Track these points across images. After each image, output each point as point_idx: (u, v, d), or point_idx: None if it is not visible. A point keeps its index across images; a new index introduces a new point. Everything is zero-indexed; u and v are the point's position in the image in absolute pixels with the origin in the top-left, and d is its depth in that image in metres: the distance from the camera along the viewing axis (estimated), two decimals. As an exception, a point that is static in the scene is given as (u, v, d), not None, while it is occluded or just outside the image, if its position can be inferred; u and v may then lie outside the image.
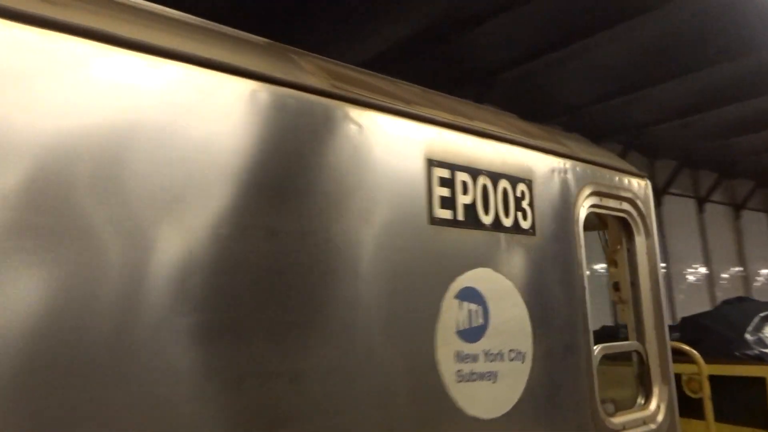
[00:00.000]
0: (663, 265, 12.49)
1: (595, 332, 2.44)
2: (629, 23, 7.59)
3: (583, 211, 2.52)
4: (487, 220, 2.09)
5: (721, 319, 5.14)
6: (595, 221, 2.88)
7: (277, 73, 1.67)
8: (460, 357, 1.95)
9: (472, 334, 2.00)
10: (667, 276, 12.63)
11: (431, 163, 1.95)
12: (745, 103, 10.30)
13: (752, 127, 11.40)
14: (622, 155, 11.56)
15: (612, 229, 2.92)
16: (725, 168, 14.17)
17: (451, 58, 8.34)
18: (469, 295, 2.02)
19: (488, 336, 2.04)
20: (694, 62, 8.71)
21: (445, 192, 1.97)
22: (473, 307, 2.02)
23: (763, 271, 15.70)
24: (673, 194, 13.29)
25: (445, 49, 7.96)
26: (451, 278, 1.95)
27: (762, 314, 4.93)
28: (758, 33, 7.86)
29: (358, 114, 1.80)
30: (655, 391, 2.70)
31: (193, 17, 1.81)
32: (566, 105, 10.21)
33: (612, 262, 2.90)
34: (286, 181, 1.60)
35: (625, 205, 2.79)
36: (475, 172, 2.08)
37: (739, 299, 7.71)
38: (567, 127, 10.43)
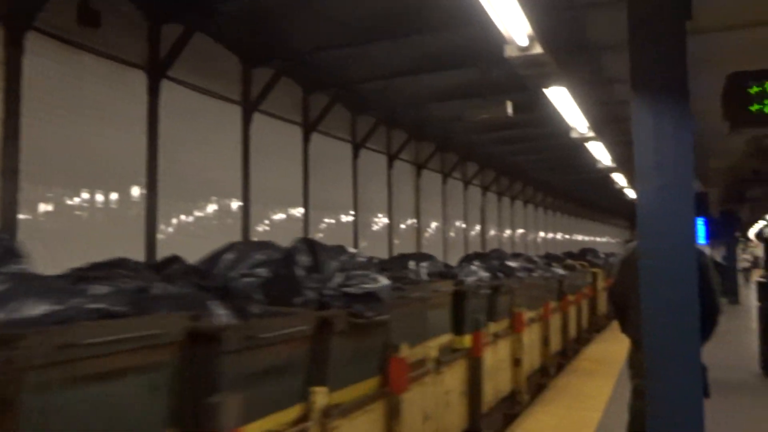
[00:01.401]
0: (352, 212, 13.41)
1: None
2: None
3: None
4: None
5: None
6: None
7: None
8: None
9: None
10: (355, 224, 13.51)
11: None
12: (441, 74, 11.31)
13: (441, 97, 12.63)
14: (329, 107, 11.84)
15: None
16: (414, 130, 15.59)
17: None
18: None
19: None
20: (411, 28, 9.15)
21: None
22: None
23: (433, 224, 17.89)
24: (370, 149, 14.17)
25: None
26: None
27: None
28: (464, 11, 8.50)
29: None
30: None
31: None
32: (287, 49, 9.98)
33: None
34: None
35: None
36: None
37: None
38: (281, 72, 10.23)
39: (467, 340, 5.70)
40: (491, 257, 8.51)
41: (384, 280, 3.93)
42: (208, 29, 8.85)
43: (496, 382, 6.50)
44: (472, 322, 5.74)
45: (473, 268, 6.60)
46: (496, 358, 6.51)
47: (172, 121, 8.50)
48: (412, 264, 5.75)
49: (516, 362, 7.13)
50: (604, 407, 6.65)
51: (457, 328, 5.66)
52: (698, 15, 4.48)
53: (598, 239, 43.90)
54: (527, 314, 7.63)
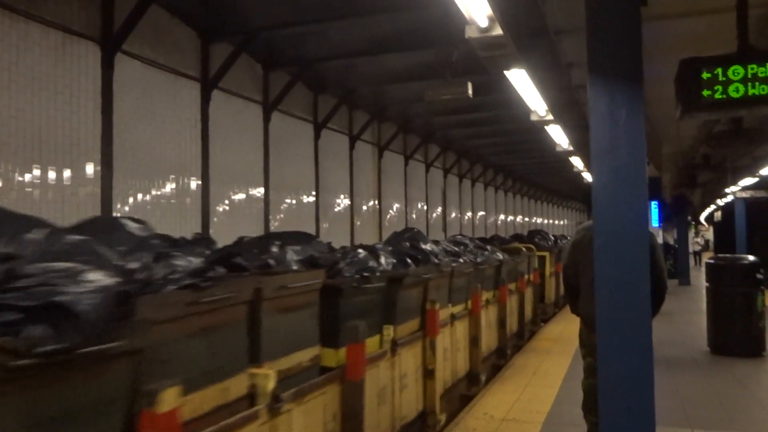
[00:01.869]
0: (314, 193, 13.34)
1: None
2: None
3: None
4: None
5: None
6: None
7: None
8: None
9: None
10: (317, 204, 13.46)
11: None
12: (402, 54, 11.28)
13: (403, 78, 12.61)
14: (289, 86, 11.70)
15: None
16: (376, 111, 15.54)
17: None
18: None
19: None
20: (371, 7, 9.09)
21: None
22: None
23: (395, 206, 17.95)
24: (331, 129, 14.08)
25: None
26: None
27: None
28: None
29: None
30: None
31: None
32: (244, 26, 9.80)
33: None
34: None
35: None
36: None
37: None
38: (240, 48, 10.04)
39: (342, 355, 3.97)
40: (403, 239, 6.67)
41: (99, 279, 2.10)
42: (163, 1, 8.62)
43: (393, 416, 4.68)
44: (348, 330, 3.97)
45: (361, 254, 4.64)
46: (396, 374, 4.73)
47: (128, 97, 8.28)
48: (275, 248, 3.82)
49: (429, 376, 5.35)
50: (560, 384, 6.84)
51: (329, 339, 3.93)
52: (653, 2, 4.57)
53: (556, 222, 44.73)
54: (447, 311, 6.16)
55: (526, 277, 10.95)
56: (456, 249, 7.39)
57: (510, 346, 8.93)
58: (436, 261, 6.02)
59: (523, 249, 11.36)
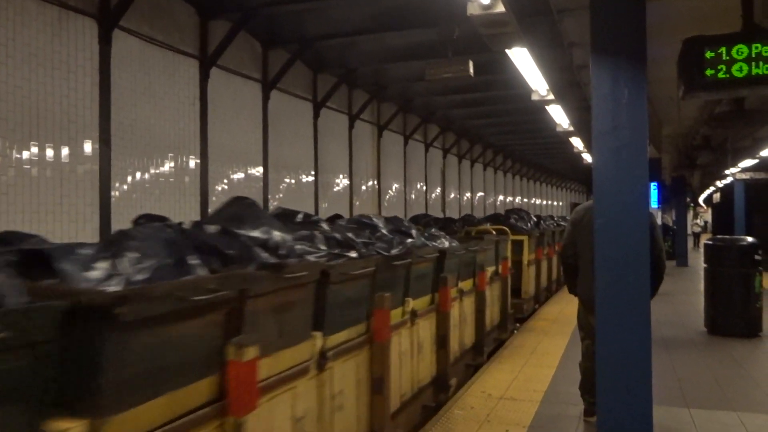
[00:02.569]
0: (313, 173, 13.31)
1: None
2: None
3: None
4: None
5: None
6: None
7: None
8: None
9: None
10: (316, 184, 13.43)
11: None
12: (402, 33, 11.18)
13: (403, 57, 12.50)
14: (288, 64, 11.60)
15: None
16: (376, 91, 15.44)
17: None
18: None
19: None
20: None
21: None
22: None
23: (394, 186, 17.92)
24: (331, 108, 14.00)
25: None
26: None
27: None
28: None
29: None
30: None
31: None
32: (243, 3, 9.68)
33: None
34: None
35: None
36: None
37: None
38: (239, 25, 9.94)
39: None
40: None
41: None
42: (162, -22, 8.53)
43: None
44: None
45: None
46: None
47: (126, 74, 8.22)
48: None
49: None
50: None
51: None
52: (658, -21, 4.52)
53: (555, 203, 44.74)
54: (289, 355, 3.22)
55: (491, 269, 8.09)
56: (347, 236, 4.13)
57: (457, 371, 6.21)
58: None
59: (493, 232, 9.47)
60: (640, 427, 3.85)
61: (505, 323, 8.74)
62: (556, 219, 17.90)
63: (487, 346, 7.52)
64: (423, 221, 10.99)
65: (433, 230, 6.42)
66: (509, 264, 9.15)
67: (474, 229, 9.98)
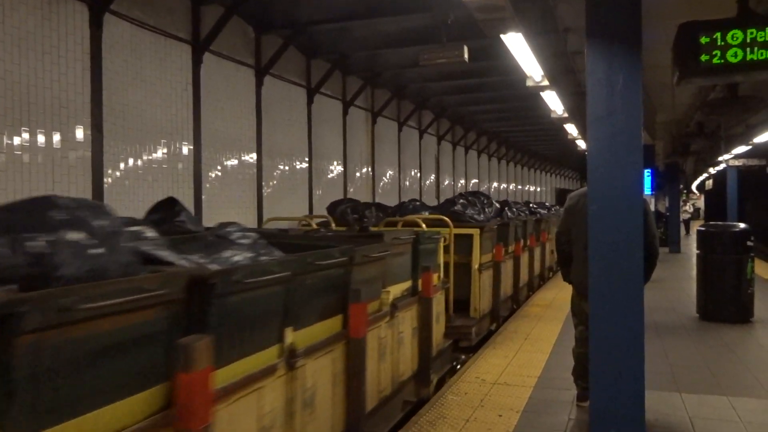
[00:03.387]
0: (307, 159, 13.26)
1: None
2: None
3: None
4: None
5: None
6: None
7: None
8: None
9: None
10: (310, 171, 13.39)
11: None
12: (396, 19, 11.10)
13: (397, 43, 12.43)
14: (282, 49, 11.52)
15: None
16: (370, 77, 15.37)
17: None
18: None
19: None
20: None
21: None
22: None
23: (388, 173, 17.89)
24: (325, 94, 13.93)
25: None
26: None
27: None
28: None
29: None
30: None
31: None
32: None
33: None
34: None
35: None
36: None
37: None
38: (231, 9, 9.85)
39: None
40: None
41: None
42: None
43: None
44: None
45: None
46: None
47: (117, 59, 8.14)
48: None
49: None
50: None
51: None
52: (654, -37, 4.49)
53: (548, 189, 44.81)
54: None
55: (399, 288, 5.18)
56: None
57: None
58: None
59: (423, 226, 7.09)
60: (632, 412, 3.88)
61: (424, 374, 5.47)
62: (533, 205, 16.23)
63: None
64: (340, 209, 8.64)
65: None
66: (440, 274, 6.32)
67: (403, 220, 7.88)
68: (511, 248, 10.04)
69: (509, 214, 11.19)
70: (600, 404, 3.95)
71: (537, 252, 12.64)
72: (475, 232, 7.85)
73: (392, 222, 7.89)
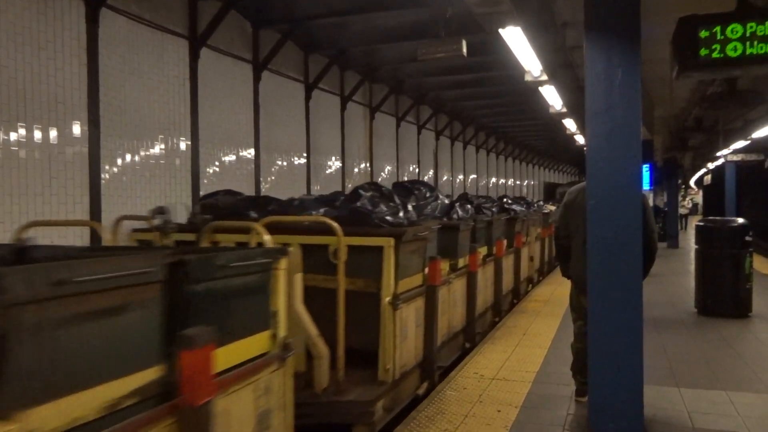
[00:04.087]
0: (305, 155, 13.23)
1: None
2: None
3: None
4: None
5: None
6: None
7: None
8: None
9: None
10: (308, 166, 13.36)
11: None
12: (393, 13, 11.05)
13: (395, 37, 12.39)
14: (279, 44, 11.48)
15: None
16: (368, 72, 15.32)
17: None
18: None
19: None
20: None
21: None
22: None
23: (386, 168, 17.86)
24: (322, 90, 13.89)
25: None
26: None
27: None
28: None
29: None
30: None
31: None
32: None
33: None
34: None
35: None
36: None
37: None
38: (228, 5, 9.81)
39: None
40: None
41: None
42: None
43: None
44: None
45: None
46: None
47: (114, 54, 8.10)
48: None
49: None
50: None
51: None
52: (653, -43, 4.47)
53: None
54: None
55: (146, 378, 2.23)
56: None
57: None
58: None
59: (265, 237, 3.68)
60: (630, 407, 3.88)
61: None
62: (508, 200, 11.59)
63: None
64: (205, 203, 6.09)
65: None
66: (277, 333, 3.13)
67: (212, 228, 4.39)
68: (461, 263, 7.03)
69: (460, 212, 7.41)
70: (599, 399, 3.95)
71: (508, 262, 9.44)
72: (386, 242, 4.83)
73: (234, 228, 4.31)
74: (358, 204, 5.28)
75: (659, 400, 4.95)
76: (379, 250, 4.87)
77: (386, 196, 5.51)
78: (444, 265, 6.08)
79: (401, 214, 5.34)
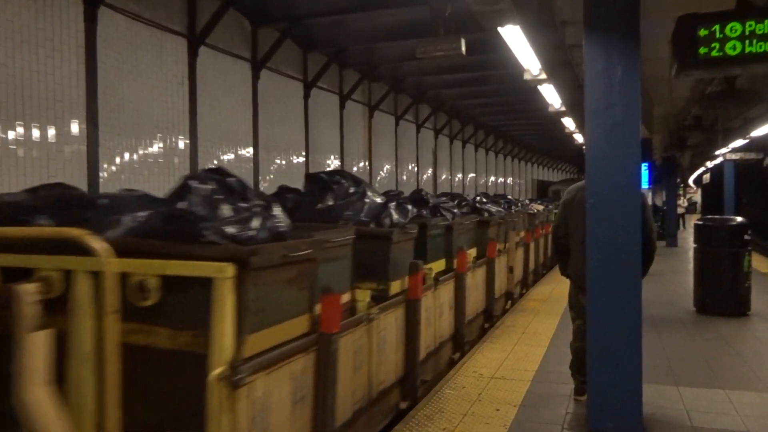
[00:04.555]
0: (304, 154, 13.22)
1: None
2: None
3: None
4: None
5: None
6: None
7: None
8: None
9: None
10: (307, 165, 13.35)
11: None
12: (392, 11, 11.05)
13: (394, 36, 12.38)
14: (278, 43, 11.47)
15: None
16: (367, 70, 15.31)
17: None
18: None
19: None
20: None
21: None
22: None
23: (386, 167, 17.86)
24: (321, 88, 13.88)
25: None
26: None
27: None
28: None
29: None
30: None
31: None
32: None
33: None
34: None
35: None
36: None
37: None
38: (227, 3, 9.79)
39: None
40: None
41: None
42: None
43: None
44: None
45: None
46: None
47: (112, 52, 8.08)
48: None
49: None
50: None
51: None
52: (652, -45, 4.46)
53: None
54: None
55: None
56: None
57: None
58: None
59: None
60: (629, 405, 3.87)
61: None
62: (482, 199, 9.64)
63: None
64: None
65: None
66: None
67: None
68: (398, 286, 4.76)
69: (395, 216, 4.97)
70: (597, 397, 3.95)
71: (476, 278, 7.33)
72: (218, 270, 2.58)
73: None
74: (181, 205, 2.94)
75: (658, 398, 4.94)
76: (207, 283, 2.58)
77: (237, 191, 3.15)
78: (362, 295, 4.16)
79: (255, 222, 2.98)
